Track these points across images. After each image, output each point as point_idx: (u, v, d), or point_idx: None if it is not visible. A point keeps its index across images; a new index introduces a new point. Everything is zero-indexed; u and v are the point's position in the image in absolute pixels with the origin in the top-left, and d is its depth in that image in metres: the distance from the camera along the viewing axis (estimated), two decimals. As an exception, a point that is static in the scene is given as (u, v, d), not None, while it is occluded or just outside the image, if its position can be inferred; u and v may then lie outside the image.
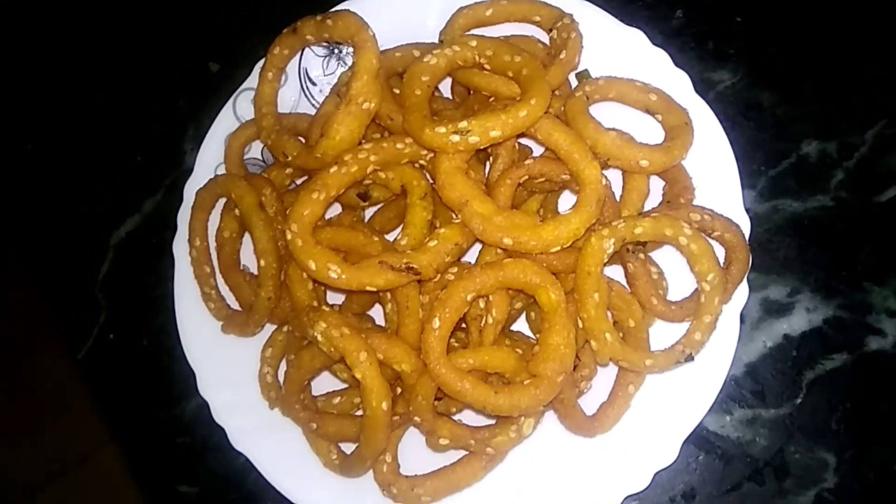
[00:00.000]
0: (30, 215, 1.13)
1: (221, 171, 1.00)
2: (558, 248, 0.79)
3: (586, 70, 0.97)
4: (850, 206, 0.95)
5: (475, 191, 0.81)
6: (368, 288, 0.79)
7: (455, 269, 0.83)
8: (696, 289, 0.85)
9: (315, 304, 0.86)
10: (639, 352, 0.82)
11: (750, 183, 0.97)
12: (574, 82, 0.96)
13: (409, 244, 0.85)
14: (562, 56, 0.92)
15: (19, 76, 1.20)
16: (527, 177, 0.85)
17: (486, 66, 0.89)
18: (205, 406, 0.92)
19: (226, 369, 0.94)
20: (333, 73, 1.03)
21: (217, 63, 1.14)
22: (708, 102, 0.98)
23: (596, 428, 0.85)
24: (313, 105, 1.03)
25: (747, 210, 0.93)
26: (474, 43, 0.89)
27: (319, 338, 0.79)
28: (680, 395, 0.85)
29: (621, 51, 0.96)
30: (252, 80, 1.01)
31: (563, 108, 0.90)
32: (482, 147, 0.81)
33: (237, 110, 1.02)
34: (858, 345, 0.91)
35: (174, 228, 0.98)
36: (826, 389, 0.90)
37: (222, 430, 0.91)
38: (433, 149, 0.82)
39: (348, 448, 0.89)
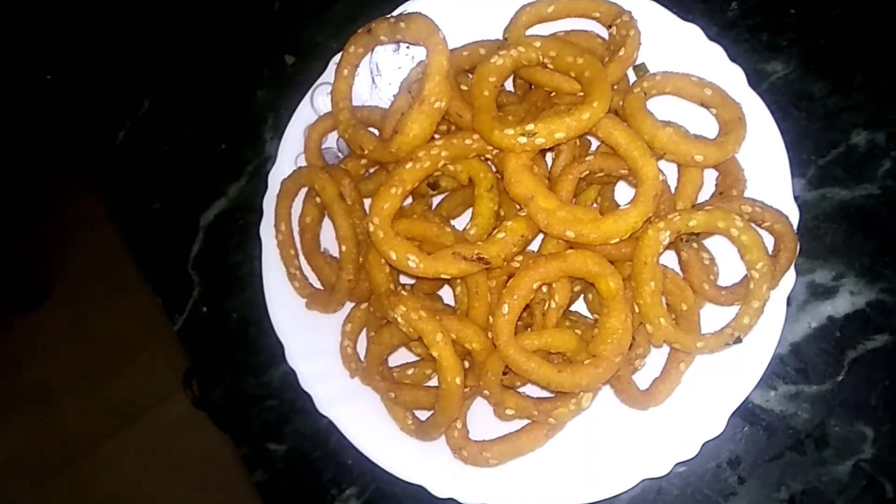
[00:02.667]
0: (129, 198, 1.24)
1: (301, 160, 1.09)
2: (617, 239, 0.86)
3: (643, 64, 1.02)
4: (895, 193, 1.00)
5: (540, 187, 0.88)
6: (443, 276, 0.88)
7: (520, 258, 0.91)
8: (746, 275, 0.92)
9: (392, 287, 0.95)
10: (690, 334, 0.89)
11: (800, 171, 1.02)
12: (632, 76, 1.02)
13: (477, 234, 0.94)
14: (621, 53, 0.97)
15: (113, 73, 1.29)
16: (587, 171, 0.92)
17: (550, 66, 0.95)
18: (291, 374, 1.02)
19: (310, 341, 1.04)
20: (401, 67, 1.11)
21: (292, 56, 1.22)
22: (761, 93, 1.03)
23: (649, 401, 0.93)
24: (382, 97, 1.10)
25: (797, 198, 0.98)
26: (538, 44, 0.95)
27: (399, 319, 0.88)
28: (728, 373, 0.92)
29: (678, 45, 1.01)
30: (327, 75, 1.09)
31: (621, 103, 0.97)
32: (547, 147, 0.88)
33: (314, 103, 1.10)
34: (900, 325, 0.97)
35: (259, 212, 1.07)
36: (867, 368, 0.96)
37: (308, 395, 1.01)
38: (501, 148, 0.89)
39: (422, 414, 0.99)
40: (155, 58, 1.27)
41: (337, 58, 1.08)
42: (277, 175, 1.08)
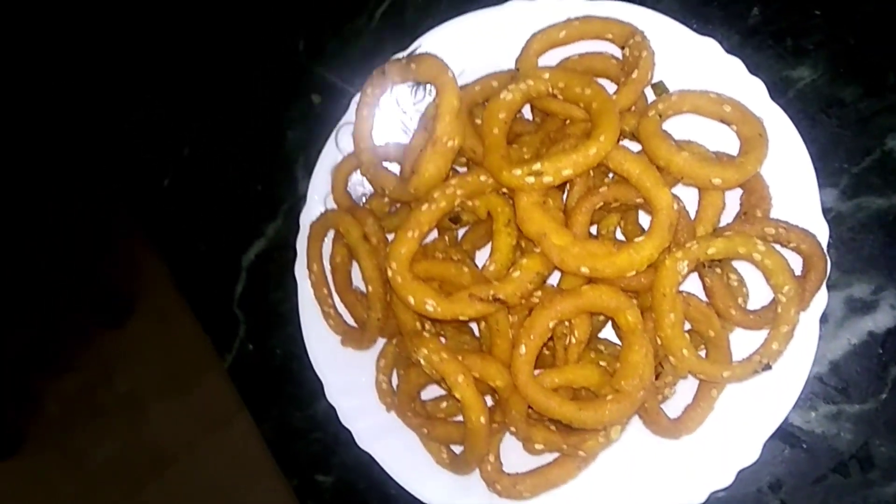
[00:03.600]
0: (177, 241, 1.30)
1: (329, 200, 1.13)
2: (633, 272, 0.86)
3: (661, 82, 1.00)
4: (937, 200, 0.95)
5: (552, 223, 0.88)
6: (461, 318, 0.89)
7: (539, 293, 0.92)
8: (773, 298, 0.89)
9: (419, 326, 0.97)
10: (716, 364, 0.88)
11: (832, 181, 0.98)
12: (650, 94, 1.00)
13: (496, 270, 0.94)
14: (634, 75, 0.96)
15: (155, 125, 1.36)
16: (602, 203, 0.91)
17: (560, 97, 0.95)
18: (333, 408, 1.07)
19: (348, 377, 1.07)
20: (422, 100, 1.12)
21: (318, 95, 1.25)
22: (788, 101, 1.01)
23: (681, 430, 0.92)
24: (404, 132, 1.12)
25: (829, 209, 0.95)
26: (547, 75, 0.94)
27: (422, 361, 0.90)
28: (762, 398, 0.90)
29: (695, 60, 0.99)
30: (350, 115, 1.11)
31: (637, 125, 0.95)
32: (556, 185, 0.88)
33: (339, 143, 1.13)
34: (946, 340, 0.92)
35: (294, 252, 1.11)
36: (915, 384, 0.93)
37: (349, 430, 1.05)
38: (511, 188, 0.89)
39: (457, 447, 1.01)
40: (191, 108, 1.33)
41: (357, 97, 1.10)
42: (308, 216, 1.11)
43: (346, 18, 1.25)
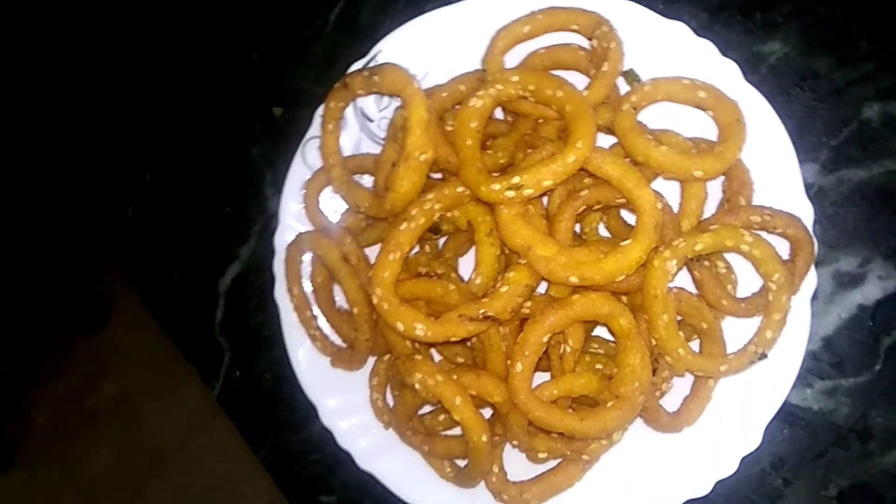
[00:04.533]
0: (149, 271, 1.26)
1: (303, 218, 1.09)
2: (623, 277, 0.84)
3: (632, 70, 0.98)
4: (918, 166, 0.94)
5: (536, 235, 0.86)
6: (452, 339, 0.87)
7: (529, 304, 0.90)
8: (762, 285, 0.89)
9: (409, 346, 0.95)
10: (712, 359, 0.87)
11: (811, 156, 0.97)
12: (622, 84, 0.98)
13: (483, 283, 0.92)
14: (604, 68, 0.93)
15: (110, 152, 1.30)
16: (584, 206, 0.89)
17: (531, 99, 0.92)
18: (329, 431, 1.05)
19: (342, 399, 1.05)
20: (388, 106, 1.08)
21: (279, 107, 1.20)
22: (761, 77, 0.99)
23: (681, 423, 0.92)
24: (374, 141, 1.09)
25: (811, 185, 0.95)
26: (516, 78, 0.91)
27: (417, 385, 0.88)
28: (758, 384, 0.90)
29: (665, 45, 0.96)
30: (315, 129, 1.07)
31: (612, 120, 0.93)
32: (537, 196, 0.86)
33: (306, 159, 1.09)
34: (935, 307, 0.93)
35: (271, 274, 1.08)
36: (906, 354, 0.93)
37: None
38: (491, 202, 0.87)
39: (461, 460, 1.00)
40: (147, 131, 1.28)
41: (321, 110, 1.06)
42: (282, 238, 1.08)
43: (300, 25, 1.20)
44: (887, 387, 0.94)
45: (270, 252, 1.09)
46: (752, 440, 0.90)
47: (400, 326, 0.88)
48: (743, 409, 0.91)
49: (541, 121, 0.96)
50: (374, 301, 0.90)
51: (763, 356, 0.87)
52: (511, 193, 0.84)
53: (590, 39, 0.97)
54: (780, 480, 0.96)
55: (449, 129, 0.99)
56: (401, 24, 1.07)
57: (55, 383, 3.18)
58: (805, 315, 0.89)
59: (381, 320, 0.95)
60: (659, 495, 0.92)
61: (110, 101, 1.31)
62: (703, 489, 0.91)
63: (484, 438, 0.88)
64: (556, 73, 0.99)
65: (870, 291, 0.95)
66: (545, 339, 0.84)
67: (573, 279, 0.84)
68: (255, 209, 1.20)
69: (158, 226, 1.26)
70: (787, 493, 0.96)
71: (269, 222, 1.19)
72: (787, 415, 0.96)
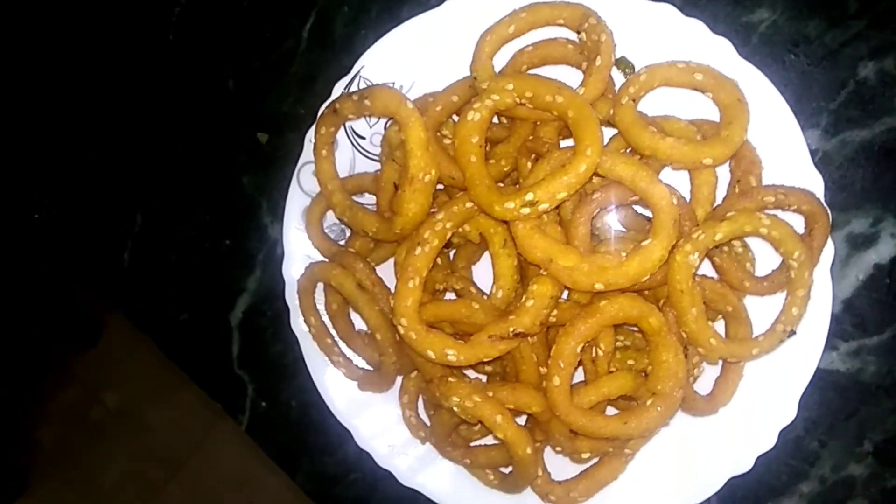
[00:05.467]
0: (156, 315, 1.24)
1: (308, 246, 1.07)
2: (647, 277, 0.84)
3: (624, 57, 0.96)
4: (919, 120, 0.94)
5: (555, 246, 0.85)
6: (485, 360, 0.87)
7: (555, 312, 0.90)
8: (782, 261, 0.89)
9: (440, 370, 0.94)
10: (744, 343, 0.88)
11: (812, 122, 0.97)
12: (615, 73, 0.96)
13: (504, 296, 0.92)
14: (597, 63, 0.92)
15: (97, 198, 1.27)
16: (598, 209, 0.88)
17: (529, 106, 0.90)
18: (366, 452, 1.05)
19: (375, 419, 1.05)
20: (377, 122, 1.06)
21: (264, 133, 1.17)
22: (753, 48, 0.98)
23: (716, 405, 0.93)
24: (366, 156, 1.06)
25: (815, 151, 0.94)
26: (511, 86, 0.89)
27: (455, 409, 0.89)
28: (788, 356, 0.91)
29: (655, 29, 0.94)
30: (307, 154, 1.05)
31: (611, 112, 0.92)
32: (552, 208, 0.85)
33: (302, 185, 1.07)
34: (949, 258, 0.94)
35: (283, 301, 1.07)
36: (924, 307, 0.95)
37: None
38: (506, 220, 0.86)
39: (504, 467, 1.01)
40: (131, 173, 1.24)
41: (310, 134, 1.03)
42: (290, 268, 1.06)
43: (271, 46, 1.16)
44: (910, 340, 0.95)
45: (278, 281, 1.07)
46: (788, 412, 0.91)
47: (431, 354, 0.87)
48: (775, 383, 0.92)
49: (538, 123, 0.94)
50: (402, 332, 0.89)
51: (792, 333, 0.88)
52: (527, 210, 0.83)
53: (578, 32, 0.95)
54: (815, 443, 0.98)
55: (447, 142, 0.98)
56: (377, 33, 1.03)
57: (56, 402, 3.16)
58: (827, 284, 0.90)
59: (407, 347, 0.95)
60: (702, 477, 0.94)
61: (91, 147, 1.27)
62: (745, 466, 0.93)
63: (529, 451, 0.88)
64: (545, 69, 0.99)
65: (884, 250, 0.96)
66: (578, 349, 0.85)
67: (598, 286, 0.84)
68: (255, 239, 1.18)
69: (157, 268, 1.23)
70: (824, 455, 0.98)
71: (271, 251, 1.17)
72: (816, 379, 0.96)
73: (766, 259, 0.92)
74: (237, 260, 1.19)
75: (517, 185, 0.96)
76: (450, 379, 0.91)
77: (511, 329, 0.85)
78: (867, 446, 0.97)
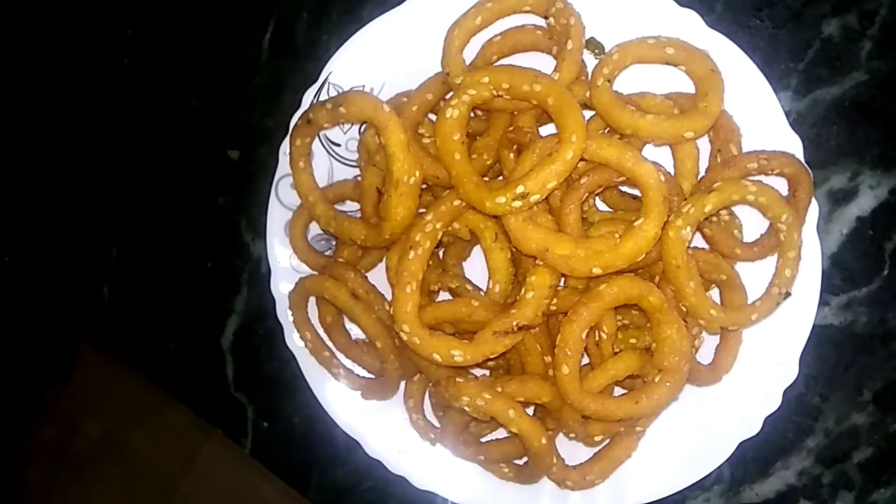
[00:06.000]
0: (144, 347, 1.21)
1: (294, 260, 1.05)
2: (643, 256, 0.85)
3: (593, 38, 0.96)
4: (884, 73, 0.96)
5: (549, 235, 0.85)
6: (491, 356, 0.87)
7: (555, 300, 0.90)
8: (769, 225, 0.90)
9: (446, 371, 0.94)
10: (742, 311, 0.89)
11: (783, 83, 0.98)
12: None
13: (502, 290, 0.92)
14: (568, 46, 0.91)
15: (73, 231, 1.23)
16: (586, 193, 0.88)
17: (506, 97, 0.89)
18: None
19: (383, 427, 1.05)
20: (351, 126, 1.04)
21: (235, 150, 1.14)
22: (718, 17, 0.99)
23: (719, 373, 0.94)
24: (343, 162, 1.05)
25: (788, 113, 0.95)
26: (486, 79, 0.88)
27: (466, 408, 0.88)
28: (784, 318, 0.92)
29: (622, 8, 0.95)
30: (283, 167, 1.03)
31: (587, 94, 0.92)
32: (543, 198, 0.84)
33: (281, 199, 1.05)
34: (927, 202, 0.96)
35: (275, 318, 1.05)
36: (909, 253, 0.97)
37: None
38: (498, 215, 0.85)
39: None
40: (101, 205, 1.21)
41: (284, 146, 1.02)
42: (278, 284, 1.05)
43: (232, 59, 1.13)
44: (898, 287, 0.98)
45: (266, 298, 1.06)
46: (790, 372, 0.93)
47: (437, 358, 0.87)
48: (775, 345, 0.93)
49: (516, 112, 0.94)
50: (405, 338, 0.88)
51: (787, 295, 0.89)
52: (518, 203, 0.82)
53: (545, 18, 0.95)
54: (817, 398, 1.00)
55: (427, 141, 0.97)
56: (340, 37, 1.02)
57: (37, 438, 3.08)
58: (815, 243, 0.91)
59: (411, 351, 0.94)
60: (713, 445, 0.95)
61: (57, 183, 1.23)
62: (754, 429, 0.94)
63: (543, 441, 0.89)
64: (516, 57, 0.98)
65: (864, 202, 0.98)
66: (584, 335, 0.85)
67: (596, 270, 0.84)
68: (237, 258, 1.16)
69: (140, 298, 1.20)
70: (826, 408, 1.00)
71: (256, 269, 1.15)
72: (812, 335, 0.97)
73: (752, 224, 0.94)
74: (221, 281, 1.17)
75: (501, 178, 0.96)
76: (458, 379, 0.90)
77: (514, 323, 0.85)
78: (867, 395, 0.99)
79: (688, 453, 0.96)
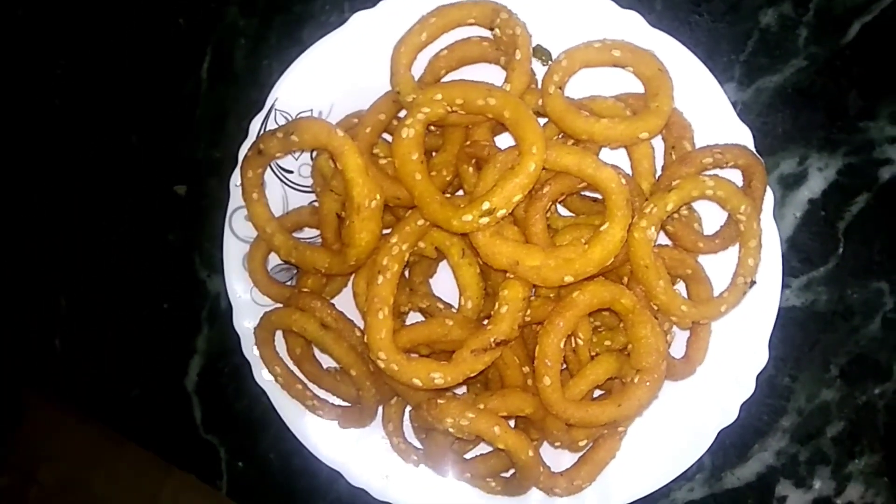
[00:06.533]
0: (105, 395, 1.16)
1: (255, 293, 1.02)
2: (612, 259, 0.85)
3: (539, 45, 0.96)
4: (822, 57, 0.99)
5: (519, 248, 0.84)
6: (471, 375, 0.86)
7: (529, 311, 0.89)
8: (728, 216, 0.92)
9: (425, 395, 0.92)
10: (711, 303, 0.90)
11: (726, 76, 1.00)
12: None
13: (474, 306, 0.91)
14: (517, 56, 0.91)
15: (21, 281, 1.17)
16: (550, 203, 0.88)
17: (461, 112, 0.88)
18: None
19: (364, 453, 1.02)
20: (303, 152, 1.02)
21: (181, 185, 1.11)
22: (658, 16, 1.00)
23: (693, 365, 0.95)
24: (297, 189, 1.02)
25: (734, 104, 0.97)
26: (439, 96, 0.87)
27: (450, 429, 0.87)
28: (750, 305, 0.93)
29: (565, 13, 0.95)
30: (235, 200, 1.00)
31: (539, 103, 0.91)
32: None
33: (237, 232, 1.02)
34: (873, 180, 0.99)
35: (239, 355, 1.01)
36: (860, 230, 1.00)
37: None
38: (466, 233, 0.84)
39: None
40: (46, 254, 1.15)
41: (235, 178, 0.99)
42: (241, 320, 1.02)
43: (171, 91, 1.09)
44: (853, 264, 1.01)
45: (229, 335, 1.03)
46: (760, 357, 0.94)
47: (417, 382, 0.85)
48: (744, 332, 0.94)
49: (470, 126, 0.93)
50: (381, 366, 0.86)
51: (753, 283, 0.91)
52: (485, 220, 0.82)
53: (491, 29, 0.94)
54: (787, 379, 1.03)
55: (383, 161, 0.95)
56: (281, 61, 1.00)
57: (-11, 494, 2.95)
58: (773, 230, 0.93)
59: (388, 377, 0.92)
60: (694, 435, 0.96)
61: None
62: (731, 416, 0.95)
63: (531, 453, 0.88)
64: (464, 69, 0.98)
65: (814, 184, 1.00)
66: (562, 344, 0.85)
67: (568, 278, 0.84)
68: (194, 296, 1.12)
69: (95, 347, 1.15)
70: (797, 388, 1.03)
71: (214, 305, 1.12)
72: (776, 318, 1.01)
73: (708, 216, 0.95)
74: (180, 322, 1.13)
75: (461, 192, 0.95)
76: (439, 401, 0.89)
77: (492, 339, 0.84)
78: (833, 371, 1.02)
79: (670, 447, 0.97)
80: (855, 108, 0.98)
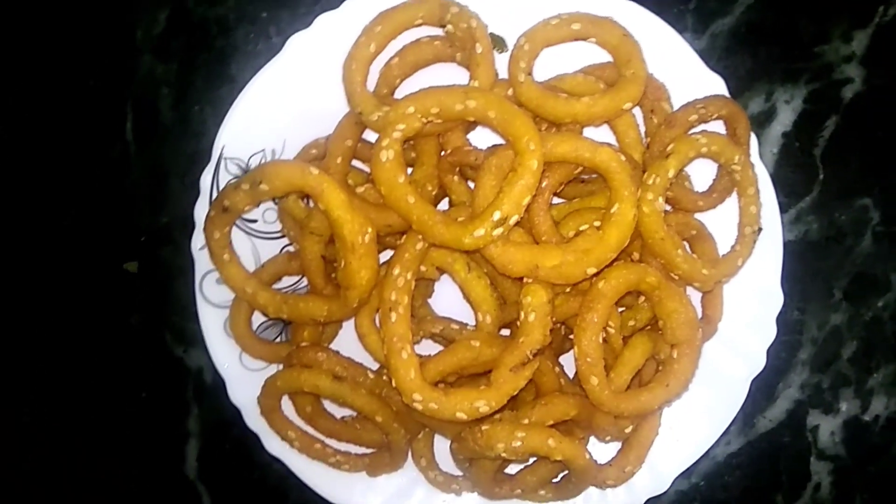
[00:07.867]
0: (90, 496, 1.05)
1: (246, 359, 0.94)
2: (627, 241, 0.81)
3: (493, 34, 0.90)
4: (770, -11, 0.98)
5: (534, 251, 0.80)
6: (514, 393, 0.81)
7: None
8: (718, 169, 0.90)
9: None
10: (728, 260, 0.88)
11: (680, 26, 0.96)
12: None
13: (493, 319, 0.86)
14: (478, 50, 0.86)
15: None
16: (550, 196, 0.83)
17: (438, 121, 0.82)
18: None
19: (399, 495, 0.97)
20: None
21: (132, 262, 0.99)
22: None
23: (714, 323, 0.93)
24: (266, 237, 0.94)
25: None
26: (412, 108, 0.81)
27: (503, 454, 0.82)
28: (756, 250, 0.92)
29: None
30: (203, 265, 0.90)
31: (516, 95, 0.86)
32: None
33: (210, 299, 0.92)
34: (838, 101, 1.00)
35: (239, 425, 0.93)
36: (835, 153, 1.01)
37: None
38: (480, 248, 0.79)
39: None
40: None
41: (198, 242, 0.89)
42: (238, 394, 0.93)
43: (95, 160, 0.97)
44: (836, 187, 1.01)
45: (223, 410, 0.94)
46: (776, 299, 0.92)
47: (462, 416, 0.80)
48: (756, 278, 0.92)
49: (441, 134, 0.87)
50: (418, 408, 0.80)
51: (760, 230, 0.90)
52: (499, 230, 0.76)
53: (442, 27, 0.88)
54: (796, 312, 1.03)
55: (360, 190, 0.88)
56: (215, 104, 0.91)
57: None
58: (763, 172, 0.92)
59: (421, 415, 0.86)
60: (728, 391, 0.94)
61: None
62: (761, 363, 0.92)
63: (588, 457, 0.84)
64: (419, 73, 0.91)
65: (784, 118, 1.00)
66: (600, 340, 0.81)
67: (590, 270, 0.80)
68: (174, 377, 1.02)
69: (77, 454, 1.03)
70: (807, 319, 1.03)
71: (199, 381, 1.02)
72: (779, 257, 1.01)
73: (694, 173, 0.93)
74: (165, 407, 1.02)
75: (449, 203, 0.89)
76: (483, 428, 0.83)
77: (528, 352, 0.80)
78: (837, 295, 1.03)
79: (707, 409, 0.95)
80: (808, 35, 0.98)
